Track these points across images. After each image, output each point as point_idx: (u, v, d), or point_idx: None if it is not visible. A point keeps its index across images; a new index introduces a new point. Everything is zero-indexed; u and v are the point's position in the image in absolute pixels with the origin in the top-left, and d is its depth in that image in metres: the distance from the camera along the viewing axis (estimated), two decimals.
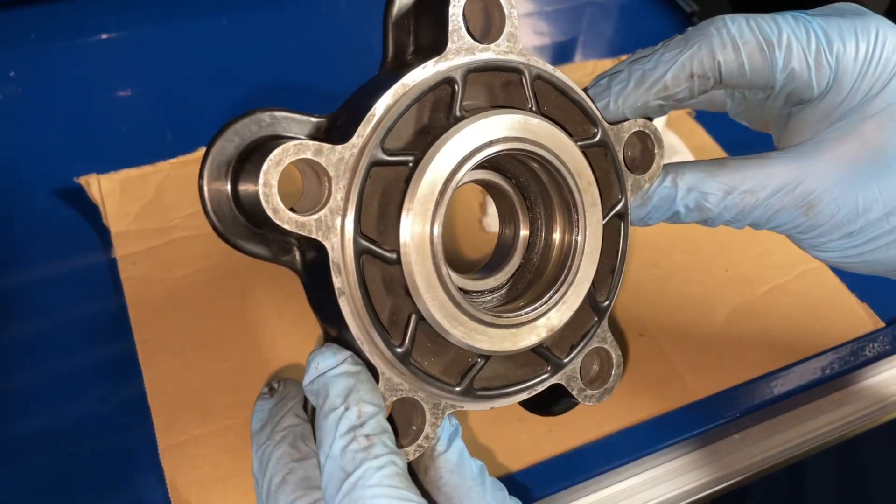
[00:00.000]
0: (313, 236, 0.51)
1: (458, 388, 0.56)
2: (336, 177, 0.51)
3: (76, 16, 1.26)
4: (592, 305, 0.61)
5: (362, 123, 0.51)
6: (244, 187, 0.55)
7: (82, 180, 1.01)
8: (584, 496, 0.83)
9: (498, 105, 0.55)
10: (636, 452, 0.84)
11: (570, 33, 1.36)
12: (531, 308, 0.57)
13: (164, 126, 1.15)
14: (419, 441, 0.56)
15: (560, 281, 0.58)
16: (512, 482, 0.80)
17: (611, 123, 0.61)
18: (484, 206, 1.04)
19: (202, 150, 1.07)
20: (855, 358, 0.91)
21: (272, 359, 0.88)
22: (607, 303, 0.61)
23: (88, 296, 0.94)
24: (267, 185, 0.49)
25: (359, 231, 0.51)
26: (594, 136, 0.59)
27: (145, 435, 0.81)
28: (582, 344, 0.61)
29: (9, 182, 1.06)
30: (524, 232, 0.64)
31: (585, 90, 0.61)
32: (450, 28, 0.53)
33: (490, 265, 0.65)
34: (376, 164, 0.51)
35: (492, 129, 0.53)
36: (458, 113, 0.53)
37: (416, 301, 0.53)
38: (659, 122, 1.06)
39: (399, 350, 0.53)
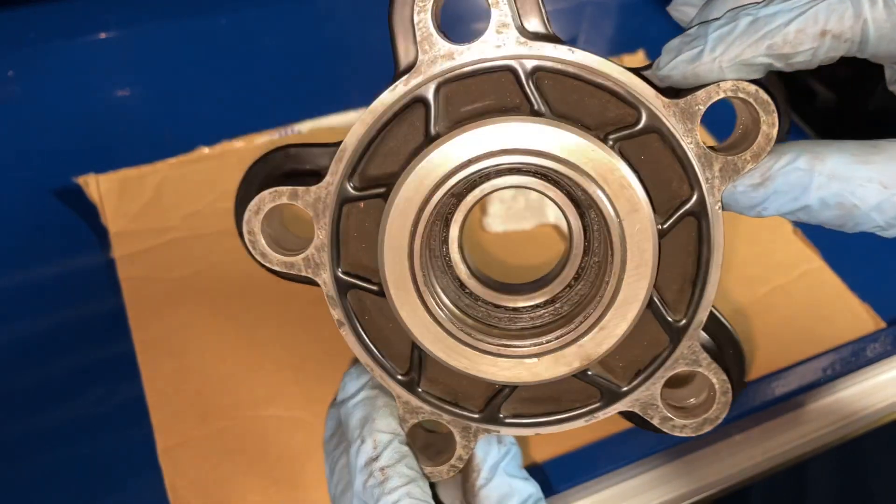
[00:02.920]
0: (303, 274, 0.51)
1: (478, 416, 0.53)
2: (317, 216, 0.50)
3: (76, 16, 1.26)
4: (664, 326, 0.50)
5: (334, 159, 0.49)
6: None
7: (81, 180, 1.01)
8: (585, 497, 0.82)
9: (494, 112, 0.48)
10: (637, 454, 0.83)
11: (570, 33, 1.35)
12: (555, 336, 0.51)
13: (162, 126, 1.14)
14: (452, 462, 0.54)
15: (593, 304, 0.50)
16: None
17: (686, 92, 0.47)
18: (484, 205, 1.04)
19: (201, 150, 1.08)
20: (856, 358, 0.91)
21: (271, 359, 0.88)
22: (685, 322, 0.50)
23: (87, 296, 0.94)
24: (251, 234, 0.50)
25: (337, 269, 0.51)
26: (636, 122, 0.47)
27: (144, 435, 0.81)
28: (651, 370, 0.51)
29: (8, 182, 1.06)
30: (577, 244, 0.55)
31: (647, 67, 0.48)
32: (418, 38, 0.47)
33: (541, 280, 0.57)
34: (346, 200, 0.50)
35: (474, 145, 0.47)
36: (433, 132, 0.48)
37: (409, 334, 0.51)
38: None
39: (403, 379, 0.53)
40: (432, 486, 0.54)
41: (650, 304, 0.50)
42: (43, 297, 0.95)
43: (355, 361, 0.56)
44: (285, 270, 0.51)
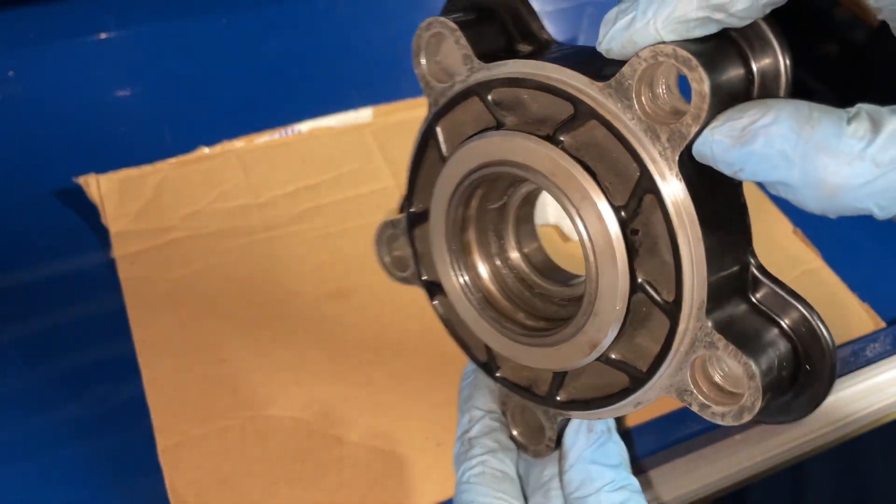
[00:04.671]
0: (411, 285, 0.65)
1: (544, 400, 0.58)
2: (406, 236, 0.63)
3: (76, 16, 1.26)
4: (660, 307, 0.48)
5: (406, 183, 0.61)
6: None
7: (81, 180, 1.01)
8: None
9: (477, 132, 0.53)
10: (636, 453, 0.83)
11: (570, 33, 1.35)
12: (569, 324, 0.52)
13: (163, 126, 1.15)
14: (546, 441, 0.59)
15: (587, 294, 0.50)
16: None
17: (620, 65, 0.44)
18: None
19: (201, 150, 1.08)
20: (856, 358, 0.91)
21: (271, 359, 0.88)
22: (675, 299, 0.47)
23: (87, 296, 0.94)
24: (381, 262, 0.66)
25: (419, 278, 0.63)
26: (573, 114, 0.47)
27: (144, 435, 0.81)
28: (671, 353, 0.49)
29: (8, 182, 1.06)
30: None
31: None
32: (422, 86, 0.56)
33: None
34: (412, 225, 0.62)
35: (461, 166, 0.54)
36: (444, 154, 0.57)
37: (479, 335, 0.60)
38: None
39: (483, 364, 0.61)
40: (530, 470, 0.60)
41: (639, 288, 0.48)
42: (43, 297, 0.95)
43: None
44: (402, 282, 0.66)
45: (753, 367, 0.46)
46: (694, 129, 0.42)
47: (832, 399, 0.91)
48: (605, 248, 0.47)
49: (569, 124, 0.47)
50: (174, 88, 1.21)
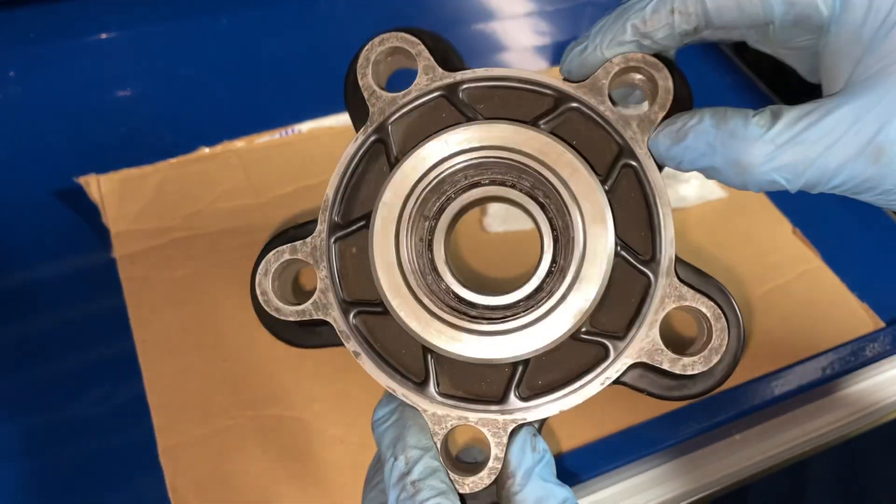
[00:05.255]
0: (315, 317, 0.57)
1: (498, 403, 0.55)
2: (316, 262, 0.57)
3: (76, 16, 1.26)
4: (639, 268, 0.55)
5: (320, 211, 0.58)
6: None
7: (82, 180, 1.01)
8: (584, 496, 0.83)
9: (440, 130, 0.57)
10: (636, 452, 0.83)
11: (570, 33, 1.35)
12: (546, 302, 0.55)
13: (163, 126, 1.15)
14: (490, 464, 0.55)
15: (568, 263, 0.55)
16: None
17: (589, 75, 0.56)
18: (484, 206, 1.04)
19: (202, 151, 1.08)
20: (855, 358, 0.91)
21: (272, 359, 0.88)
22: (651, 258, 0.55)
23: (88, 296, 0.94)
24: (264, 294, 0.57)
25: (343, 298, 0.57)
26: (555, 105, 0.56)
27: (145, 435, 0.81)
28: (643, 314, 0.55)
29: (9, 182, 1.06)
30: (545, 231, 0.59)
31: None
32: (366, 96, 0.58)
33: (525, 275, 0.60)
34: (337, 238, 0.57)
35: (426, 159, 0.56)
36: (394, 160, 0.57)
37: (413, 335, 0.55)
38: None
39: (418, 382, 0.56)
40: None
41: (620, 252, 0.55)
42: (44, 297, 0.95)
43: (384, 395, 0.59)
44: (299, 318, 0.57)
45: (717, 308, 0.54)
46: (661, 115, 0.55)
47: (831, 399, 0.92)
48: (594, 213, 0.55)
49: (547, 115, 0.56)
50: (174, 88, 1.21)
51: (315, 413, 0.83)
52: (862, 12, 0.50)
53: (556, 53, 1.32)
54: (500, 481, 0.55)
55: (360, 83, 0.58)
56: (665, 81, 0.55)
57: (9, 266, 0.98)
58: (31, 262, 0.98)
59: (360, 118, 0.59)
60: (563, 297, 0.54)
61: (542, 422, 0.57)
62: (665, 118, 0.55)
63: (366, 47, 0.59)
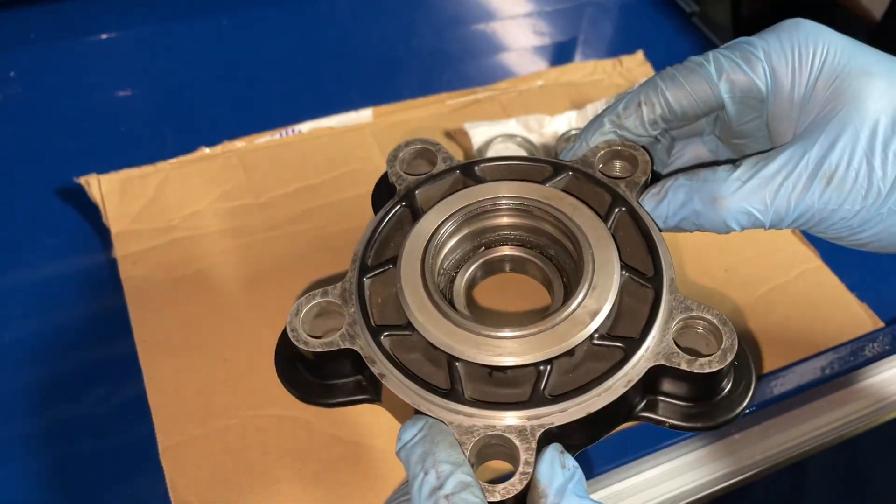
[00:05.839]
0: (342, 346, 0.61)
1: (524, 407, 0.56)
2: (345, 301, 0.64)
3: (76, 16, 1.26)
4: (644, 283, 0.63)
5: (350, 263, 0.66)
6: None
7: (82, 180, 1.01)
8: None
9: (461, 188, 0.70)
10: (636, 452, 0.84)
11: (570, 33, 1.36)
12: (564, 304, 0.60)
13: (164, 126, 1.15)
14: (521, 469, 0.55)
15: (581, 276, 0.62)
16: None
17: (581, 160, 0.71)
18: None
19: (202, 151, 1.08)
20: (855, 358, 0.91)
21: (272, 359, 0.88)
22: (654, 275, 0.63)
23: (88, 296, 0.95)
24: (294, 331, 0.62)
25: (370, 325, 0.62)
26: (554, 172, 0.70)
27: (145, 435, 0.81)
28: (657, 318, 0.60)
29: (9, 182, 1.06)
30: (559, 292, 0.70)
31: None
32: (393, 180, 0.71)
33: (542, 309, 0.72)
34: (366, 276, 0.64)
35: (449, 204, 0.68)
36: (419, 213, 0.68)
37: (439, 344, 0.59)
38: None
39: (445, 391, 0.58)
40: None
41: (625, 268, 0.63)
42: (44, 297, 0.95)
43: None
44: (326, 349, 0.61)
45: (723, 315, 0.61)
46: (643, 179, 0.68)
47: (830, 398, 0.92)
48: (599, 238, 0.64)
49: (549, 179, 0.70)
50: (174, 88, 1.21)
51: (315, 413, 0.83)
52: (789, 80, 0.62)
53: (556, 54, 1.32)
54: (531, 501, 0.54)
55: (389, 170, 0.71)
56: (643, 156, 0.69)
57: (9, 266, 0.98)
58: (31, 262, 0.99)
59: (385, 199, 0.71)
60: (580, 304, 0.60)
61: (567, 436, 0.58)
62: (646, 181, 0.69)
63: (396, 147, 0.73)
